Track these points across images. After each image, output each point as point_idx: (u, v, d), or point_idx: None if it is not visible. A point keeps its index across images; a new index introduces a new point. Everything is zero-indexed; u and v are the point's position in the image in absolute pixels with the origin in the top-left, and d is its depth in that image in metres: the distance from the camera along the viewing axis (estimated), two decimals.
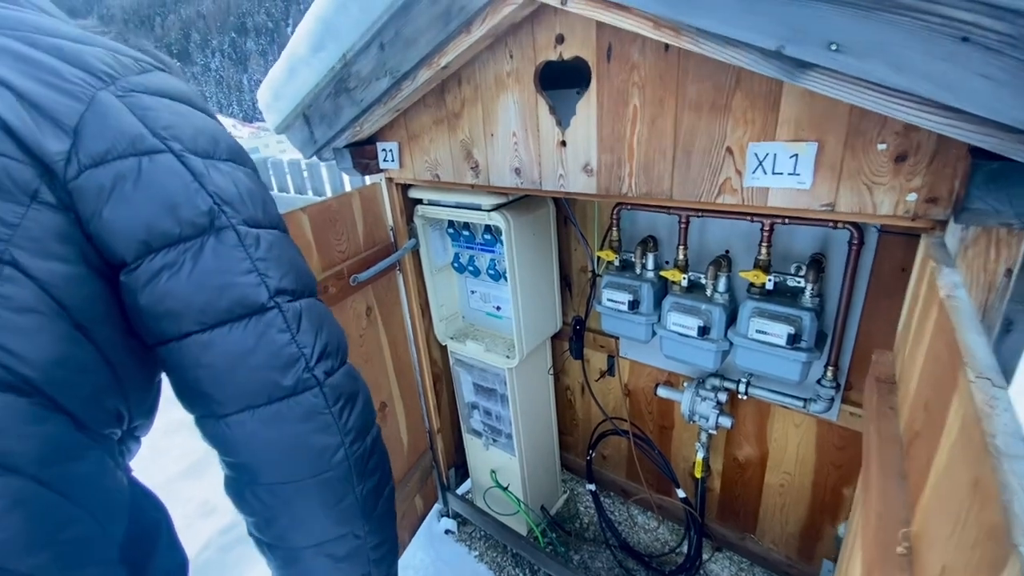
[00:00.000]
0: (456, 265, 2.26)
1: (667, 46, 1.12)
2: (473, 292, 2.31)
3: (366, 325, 2.00)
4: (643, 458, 2.40)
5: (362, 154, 1.86)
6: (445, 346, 2.33)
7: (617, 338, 2.30)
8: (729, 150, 1.12)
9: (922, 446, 0.62)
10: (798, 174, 1.04)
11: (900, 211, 0.97)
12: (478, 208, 1.85)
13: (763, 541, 2.23)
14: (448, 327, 2.33)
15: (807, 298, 1.53)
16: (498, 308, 2.24)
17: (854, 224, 1.42)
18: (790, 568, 2.16)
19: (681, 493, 2.22)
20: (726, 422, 1.90)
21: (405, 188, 2.01)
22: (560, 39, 1.27)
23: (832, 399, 1.68)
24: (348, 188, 3.23)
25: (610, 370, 2.42)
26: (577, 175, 1.39)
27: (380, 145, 1.85)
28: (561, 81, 1.53)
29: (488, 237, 2.07)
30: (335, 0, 1.39)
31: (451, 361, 2.38)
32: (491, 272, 2.13)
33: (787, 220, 1.50)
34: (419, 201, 2.03)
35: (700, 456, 2.05)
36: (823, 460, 1.92)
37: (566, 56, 1.28)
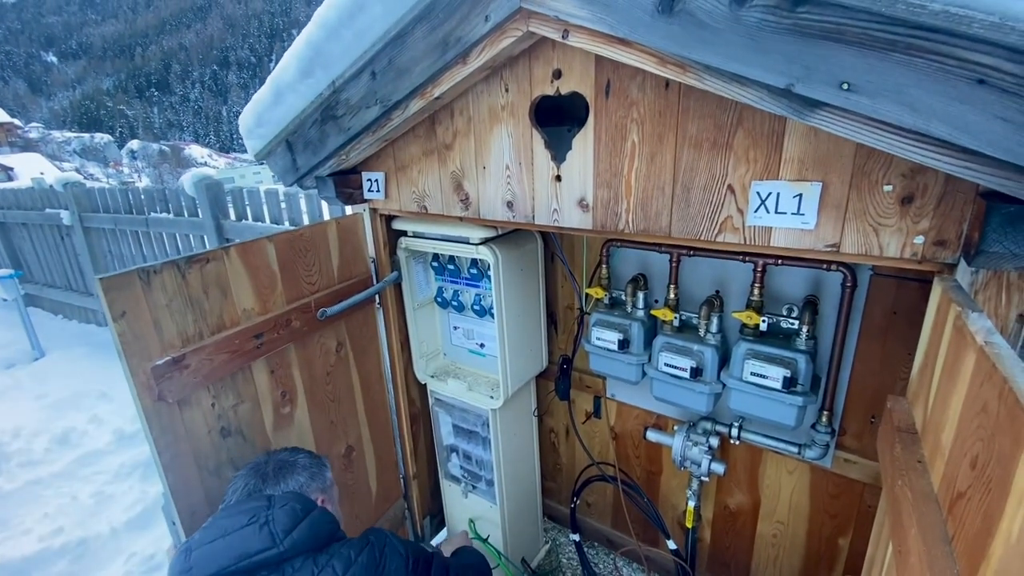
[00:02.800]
0: (439, 300, 2.18)
1: (668, 83, 1.11)
2: (456, 328, 2.22)
3: (335, 362, 1.86)
4: (631, 506, 2.29)
5: (346, 183, 1.79)
6: (424, 385, 2.22)
7: (604, 378, 2.23)
8: (731, 188, 1.10)
9: (974, 509, 0.56)
10: (802, 214, 1.02)
11: (907, 253, 0.95)
12: (466, 241, 1.79)
13: None
14: (428, 365, 2.23)
15: (802, 340, 1.51)
16: (482, 345, 2.15)
17: (847, 266, 1.42)
18: None
19: (671, 544, 2.12)
20: (719, 468, 1.82)
21: (389, 219, 1.94)
22: (557, 74, 1.26)
23: (827, 445, 1.63)
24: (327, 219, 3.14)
25: (596, 412, 2.34)
26: (572, 210, 1.35)
27: (365, 175, 1.80)
28: (547, 119, 1.51)
29: (474, 271, 2.00)
30: (327, 26, 1.35)
31: (430, 401, 2.26)
32: (476, 308, 2.05)
33: (780, 261, 1.49)
34: (403, 233, 1.96)
35: (692, 504, 1.96)
36: (817, 508, 1.85)
37: (563, 91, 1.27)
